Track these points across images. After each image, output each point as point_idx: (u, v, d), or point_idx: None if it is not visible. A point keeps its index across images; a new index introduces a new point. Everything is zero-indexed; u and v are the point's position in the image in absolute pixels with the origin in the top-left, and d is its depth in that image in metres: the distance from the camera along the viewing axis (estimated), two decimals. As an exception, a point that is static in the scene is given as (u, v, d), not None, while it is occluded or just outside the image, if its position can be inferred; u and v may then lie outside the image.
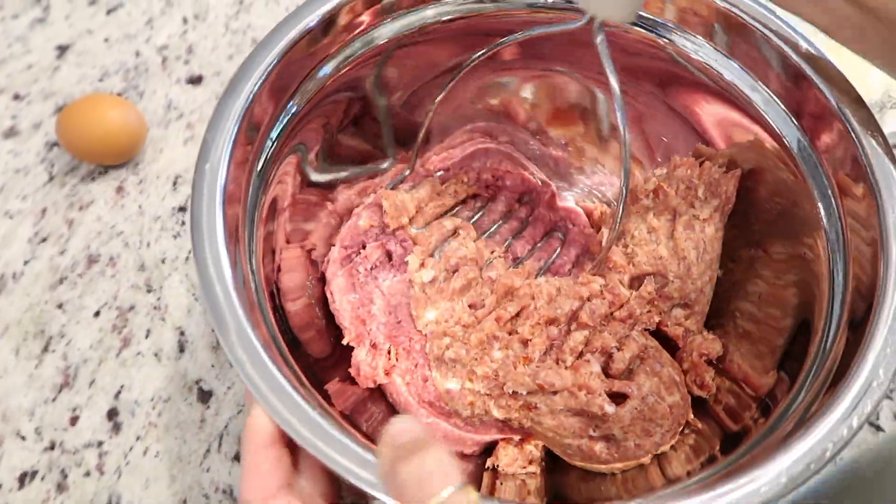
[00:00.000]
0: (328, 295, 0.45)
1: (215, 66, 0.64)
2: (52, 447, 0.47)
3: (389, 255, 0.47)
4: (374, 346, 0.44)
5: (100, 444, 0.47)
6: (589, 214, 0.51)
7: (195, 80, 0.63)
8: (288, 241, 0.43)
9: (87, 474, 0.46)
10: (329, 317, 0.46)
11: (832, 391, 0.32)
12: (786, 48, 0.39)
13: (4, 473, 0.45)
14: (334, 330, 0.45)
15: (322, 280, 0.46)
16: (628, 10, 0.35)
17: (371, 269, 0.46)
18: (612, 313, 0.43)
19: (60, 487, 0.45)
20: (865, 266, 0.35)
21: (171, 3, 0.68)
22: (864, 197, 0.36)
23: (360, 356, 0.43)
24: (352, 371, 0.43)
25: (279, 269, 0.42)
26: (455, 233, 0.47)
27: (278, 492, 0.29)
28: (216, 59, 0.64)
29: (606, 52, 0.36)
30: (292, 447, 0.31)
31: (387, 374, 0.43)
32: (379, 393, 0.44)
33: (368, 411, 0.42)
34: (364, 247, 0.47)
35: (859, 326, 0.34)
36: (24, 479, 0.45)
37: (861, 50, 0.35)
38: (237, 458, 0.46)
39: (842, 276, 0.36)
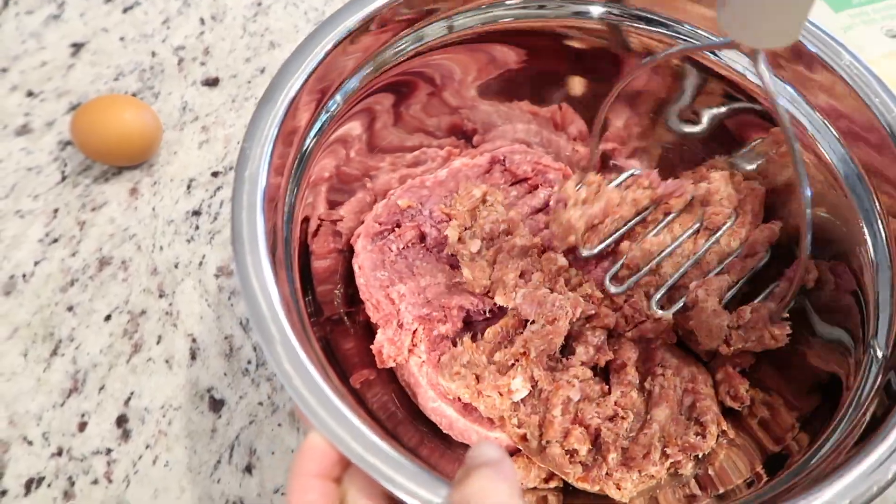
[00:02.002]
0: (355, 269, 0.46)
1: (232, 69, 0.63)
2: (59, 453, 0.46)
3: (423, 237, 0.47)
4: (400, 325, 0.43)
5: (108, 451, 0.46)
6: None
7: (211, 83, 0.62)
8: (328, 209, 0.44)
9: (95, 482, 0.45)
10: (346, 291, 0.46)
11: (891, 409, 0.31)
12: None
13: (10, 480, 0.45)
14: (350, 305, 0.45)
15: (343, 252, 0.47)
16: (789, 36, 0.28)
17: (403, 248, 0.47)
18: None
19: (67, 495, 0.44)
20: None
21: (189, 3, 0.67)
22: None
23: (388, 335, 0.43)
24: (374, 349, 0.43)
25: (314, 235, 0.42)
26: (484, 200, 0.48)
27: None
28: (233, 62, 0.63)
29: (770, 78, 0.30)
30: (338, 482, 0.30)
31: (410, 352, 0.43)
32: (388, 376, 0.44)
33: (375, 390, 0.42)
34: (399, 225, 0.47)
35: None
36: (30, 485, 0.44)
37: None
38: (248, 469, 0.45)
39: (888, 289, 0.36)
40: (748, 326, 0.41)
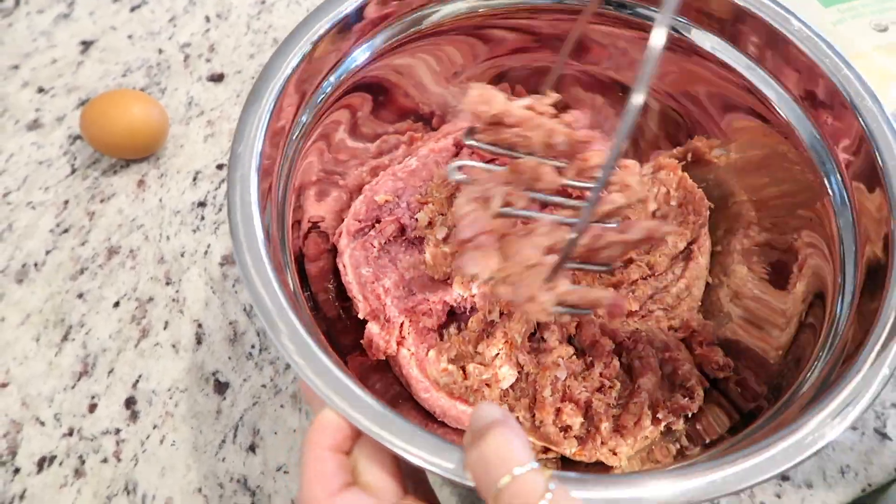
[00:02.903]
0: (340, 267, 0.47)
1: (237, 65, 0.65)
2: (70, 433, 0.47)
3: (403, 230, 0.49)
4: (387, 320, 0.45)
5: (117, 431, 0.48)
6: None
7: (216, 78, 0.64)
8: (312, 212, 0.46)
9: (105, 461, 0.47)
10: (339, 288, 0.47)
11: (859, 347, 0.32)
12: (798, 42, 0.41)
13: (24, 458, 0.46)
14: (344, 301, 0.47)
15: (331, 252, 0.48)
16: None
17: (385, 243, 0.48)
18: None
19: (78, 473, 0.46)
20: (873, 225, 0.37)
21: (194, 1, 0.69)
22: (868, 163, 0.37)
23: (375, 330, 0.44)
24: (364, 343, 0.45)
25: (305, 239, 0.44)
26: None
27: (343, 489, 0.29)
28: (238, 58, 0.65)
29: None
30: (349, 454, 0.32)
31: (399, 344, 0.44)
32: (385, 364, 0.46)
33: (372, 379, 0.44)
34: (378, 221, 0.49)
35: (876, 282, 0.35)
36: (42, 463, 0.46)
37: None
38: (252, 448, 0.47)
39: (852, 239, 0.38)
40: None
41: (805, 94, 0.42)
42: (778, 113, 0.43)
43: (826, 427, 0.30)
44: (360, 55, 0.44)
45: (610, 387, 0.43)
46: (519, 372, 0.44)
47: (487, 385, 0.43)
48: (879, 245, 0.36)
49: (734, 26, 0.43)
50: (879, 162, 0.37)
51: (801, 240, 0.43)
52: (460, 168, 0.38)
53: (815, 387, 0.35)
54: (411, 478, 0.31)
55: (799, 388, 0.36)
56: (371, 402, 0.30)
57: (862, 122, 0.39)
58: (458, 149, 0.52)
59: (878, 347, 0.32)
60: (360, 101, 0.47)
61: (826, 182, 0.41)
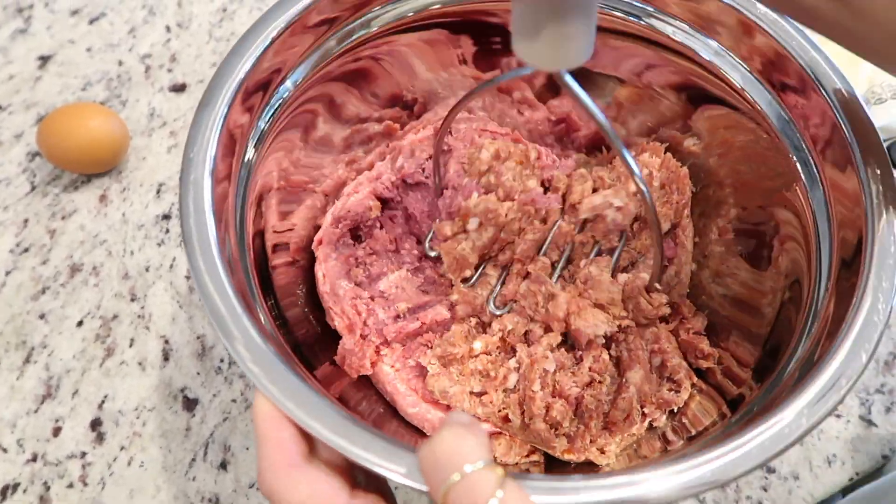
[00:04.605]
0: (318, 276, 0.45)
1: (199, 74, 0.63)
2: (34, 459, 0.46)
3: (392, 241, 0.47)
4: (363, 336, 0.43)
5: (83, 455, 0.46)
6: None
7: (178, 88, 0.62)
8: (277, 220, 0.44)
9: (71, 486, 0.45)
10: (311, 297, 0.46)
11: (834, 333, 0.32)
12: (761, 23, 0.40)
13: (-15, 487, 0.45)
14: (319, 313, 0.45)
15: (301, 261, 0.46)
16: (581, 57, 0.29)
17: (370, 254, 0.46)
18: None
19: (43, 500, 0.44)
20: (847, 204, 0.36)
21: (154, 11, 0.67)
22: (839, 144, 0.37)
23: (348, 346, 0.42)
24: (337, 359, 0.43)
25: (273, 249, 0.42)
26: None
27: (301, 460, 0.28)
28: (200, 67, 0.64)
29: (581, 94, 0.31)
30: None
31: (373, 365, 0.42)
32: (367, 380, 0.44)
33: (356, 398, 0.42)
34: (360, 227, 0.47)
35: (851, 266, 0.34)
36: (6, 491, 0.45)
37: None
38: (223, 465, 0.45)
39: (825, 220, 0.37)
40: (626, 296, 0.43)
41: (773, 79, 0.41)
42: (747, 99, 0.43)
43: (809, 411, 0.29)
44: (318, 55, 0.43)
45: (600, 381, 0.42)
46: (517, 368, 0.43)
47: (496, 390, 0.42)
48: (853, 226, 0.35)
49: (699, 12, 0.43)
50: (850, 141, 0.36)
51: (776, 220, 0.42)
52: None
53: (799, 366, 0.34)
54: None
55: (783, 369, 0.36)
56: (329, 409, 0.29)
57: (831, 104, 0.38)
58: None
59: (856, 329, 0.31)
60: (324, 99, 0.45)
61: (798, 166, 0.40)
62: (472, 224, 0.44)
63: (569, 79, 0.30)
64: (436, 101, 0.51)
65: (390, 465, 0.28)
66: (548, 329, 0.43)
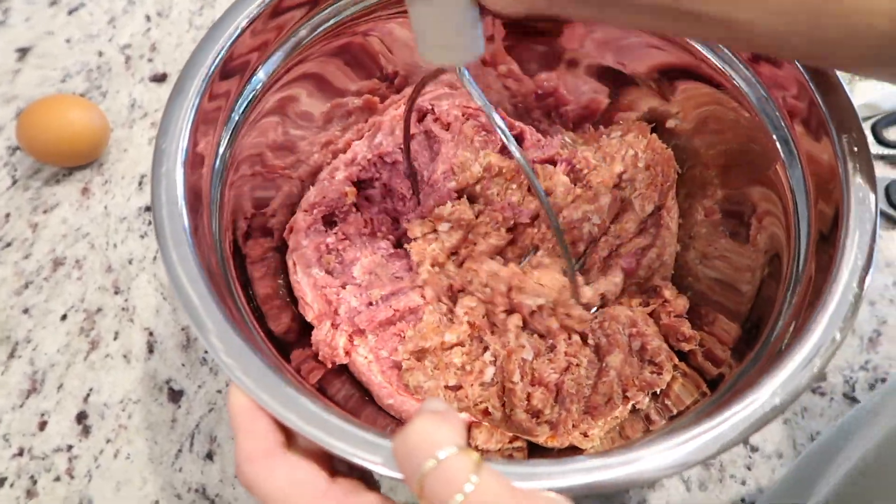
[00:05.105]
0: (289, 264, 0.45)
1: (180, 64, 0.63)
2: (20, 453, 0.46)
3: (368, 223, 0.47)
4: (335, 326, 0.43)
5: (69, 448, 0.46)
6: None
7: (159, 79, 0.62)
8: (254, 208, 0.43)
9: (58, 479, 0.45)
10: (290, 285, 0.45)
11: (811, 308, 0.32)
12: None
13: (-28, 482, 0.45)
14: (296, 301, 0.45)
15: (281, 249, 0.46)
16: (475, 51, 0.33)
17: (341, 239, 0.46)
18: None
19: (30, 493, 0.45)
20: (824, 178, 0.36)
21: (134, 1, 0.67)
22: (817, 124, 0.37)
23: (319, 336, 0.42)
24: (312, 349, 0.43)
25: (245, 237, 0.42)
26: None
27: (278, 449, 0.28)
28: (181, 56, 0.63)
29: (476, 91, 0.35)
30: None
31: (347, 354, 0.42)
32: (345, 368, 0.44)
33: (336, 385, 0.42)
34: (335, 213, 0.46)
35: (829, 240, 0.34)
36: (-8, 487, 0.45)
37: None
38: (210, 456, 0.46)
39: (804, 196, 0.37)
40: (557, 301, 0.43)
41: (751, 56, 0.41)
42: (727, 77, 0.42)
43: (783, 390, 0.29)
44: (294, 40, 0.43)
45: (577, 364, 0.42)
46: (493, 361, 0.43)
47: (472, 384, 0.42)
48: (830, 200, 0.35)
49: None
50: (825, 113, 0.36)
51: (758, 199, 0.42)
52: None
53: (778, 343, 0.34)
54: None
55: (763, 347, 0.36)
56: (304, 399, 0.29)
57: (806, 77, 0.38)
58: (420, 115, 0.50)
59: (831, 307, 0.31)
60: (302, 79, 0.45)
61: (779, 145, 0.40)
62: (444, 227, 0.44)
63: (466, 74, 0.34)
64: (417, 73, 0.50)
65: (366, 455, 0.28)
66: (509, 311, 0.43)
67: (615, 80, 0.49)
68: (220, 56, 0.38)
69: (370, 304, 0.44)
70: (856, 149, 0.34)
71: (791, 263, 0.37)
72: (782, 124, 0.39)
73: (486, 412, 0.42)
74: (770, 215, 0.41)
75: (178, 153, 0.35)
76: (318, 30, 0.42)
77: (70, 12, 0.66)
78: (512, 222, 0.45)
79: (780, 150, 0.40)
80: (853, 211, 0.33)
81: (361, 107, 0.49)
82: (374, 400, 0.44)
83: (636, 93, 0.48)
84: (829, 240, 0.34)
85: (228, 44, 0.38)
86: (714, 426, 0.28)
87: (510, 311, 0.43)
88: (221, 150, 0.40)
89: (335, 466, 0.31)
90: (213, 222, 0.38)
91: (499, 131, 0.35)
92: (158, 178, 0.35)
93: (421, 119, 0.50)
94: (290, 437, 0.30)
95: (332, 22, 0.43)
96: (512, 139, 0.35)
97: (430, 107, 0.49)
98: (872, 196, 0.33)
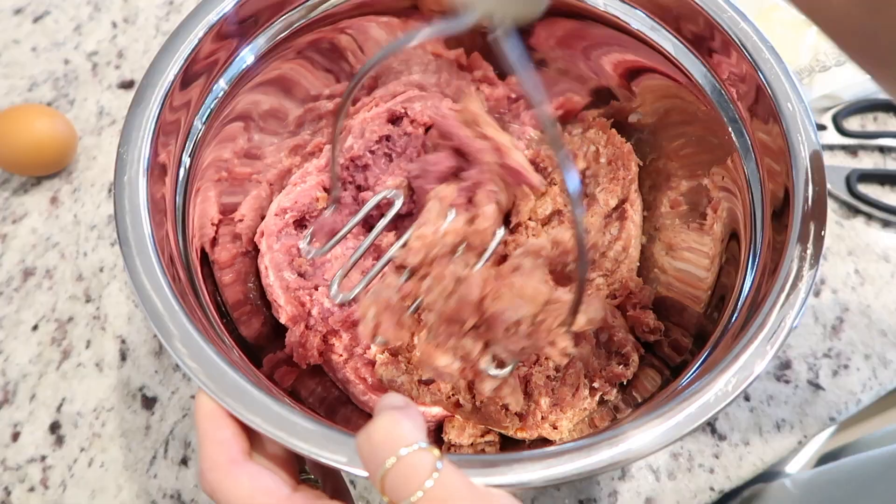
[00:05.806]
0: (261, 268, 0.45)
1: (147, 70, 0.63)
2: (-6, 465, 0.46)
3: (334, 228, 0.46)
4: (308, 327, 0.43)
5: (43, 458, 0.46)
6: None
7: (127, 85, 0.62)
8: (220, 214, 0.43)
9: (32, 489, 0.45)
10: (262, 289, 0.45)
11: (772, 278, 0.33)
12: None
13: (-54, 495, 0.45)
14: (268, 304, 0.45)
15: (252, 253, 0.46)
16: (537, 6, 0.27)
17: (315, 242, 0.45)
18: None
19: (4, 505, 0.45)
20: (776, 160, 0.37)
21: (100, 7, 0.66)
22: (768, 118, 0.38)
23: (293, 338, 0.43)
24: (287, 351, 0.43)
25: (213, 243, 0.42)
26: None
27: (242, 457, 0.29)
28: (148, 62, 0.63)
29: (521, 58, 0.27)
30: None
31: (320, 354, 0.43)
32: (319, 369, 0.44)
33: (310, 386, 0.42)
34: (305, 218, 0.46)
35: (780, 224, 0.35)
36: (-34, 499, 0.45)
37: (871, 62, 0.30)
38: (184, 462, 0.46)
39: (757, 178, 0.38)
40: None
41: (707, 51, 0.42)
42: (682, 68, 0.43)
43: (736, 379, 0.30)
44: (256, 45, 0.43)
45: (546, 357, 0.43)
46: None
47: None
48: (780, 184, 0.37)
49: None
50: (775, 104, 0.37)
51: (715, 183, 0.43)
52: None
53: (735, 331, 0.35)
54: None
55: (728, 322, 0.37)
56: (269, 401, 0.29)
57: (758, 71, 0.39)
58: (393, 118, 0.49)
59: (783, 295, 0.32)
60: (267, 85, 0.45)
61: (734, 137, 0.41)
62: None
63: (512, 40, 0.26)
64: (388, 75, 0.51)
65: (331, 455, 0.29)
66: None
67: (582, 80, 0.49)
68: (180, 64, 0.38)
69: (343, 304, 0.44)
70: (802, 135, 0.36)
71: (748, 248, 0.38)
72: (737, 117, 0.40)
73: (457, 404, 0.42)
74: (728, 203, 0.42)
75: (141, 161, 0.36)
76: (282, 35, 0.43)
77: (35, 20, 0.65)
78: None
79: (737, 142, 0.41)
80: (800, 195, 0.34)
81: (333, 111, 0.49)
82: (350, 399, 0.45)
83: (603, 93, 0.49)
84: (781, 223, 0.35)
85: (189, 51, 0.38)
86: (670, 416, 0.29)
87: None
88: (185, 156, 0.40)
89: (300, 472, 0.31)
90: (179, 229, 0.39)
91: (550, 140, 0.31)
92: (121, 186, 0.35)
93: (395, 122, 0.50)
94: (256, 444, 0.30)
95: (298, 24, 0.44)
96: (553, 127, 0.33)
97: (402, 110, 0.49)
98: (822, 182, 0.34)
